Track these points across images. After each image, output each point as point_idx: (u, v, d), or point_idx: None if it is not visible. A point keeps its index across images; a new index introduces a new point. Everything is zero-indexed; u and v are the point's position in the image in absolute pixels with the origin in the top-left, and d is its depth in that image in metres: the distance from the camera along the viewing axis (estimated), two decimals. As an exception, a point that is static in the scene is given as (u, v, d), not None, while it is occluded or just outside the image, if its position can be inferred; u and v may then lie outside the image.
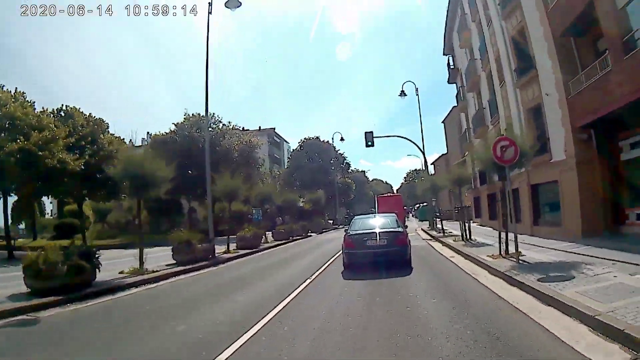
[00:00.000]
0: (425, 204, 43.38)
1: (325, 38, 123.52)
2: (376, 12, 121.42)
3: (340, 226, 41.41)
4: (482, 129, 21.70)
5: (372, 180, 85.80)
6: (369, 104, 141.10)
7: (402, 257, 9.13)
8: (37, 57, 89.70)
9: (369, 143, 22.38)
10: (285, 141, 74.31)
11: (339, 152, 54.81)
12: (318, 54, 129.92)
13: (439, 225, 20.71)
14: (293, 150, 57.43)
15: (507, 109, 17.34)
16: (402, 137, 22.49)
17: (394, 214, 11.42)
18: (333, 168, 50.19)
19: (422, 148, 24.85)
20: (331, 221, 49.43)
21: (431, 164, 63.90)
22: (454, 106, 44.05)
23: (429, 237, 19.27)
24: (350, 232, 9.80)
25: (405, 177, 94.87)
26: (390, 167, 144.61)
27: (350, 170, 62.09)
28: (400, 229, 9.76)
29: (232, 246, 16.76)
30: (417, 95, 24.10)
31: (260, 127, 60.63)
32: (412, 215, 55.16)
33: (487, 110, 21.21)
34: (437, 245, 15.54)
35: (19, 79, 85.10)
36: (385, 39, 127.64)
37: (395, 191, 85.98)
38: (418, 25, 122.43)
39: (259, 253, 17.04)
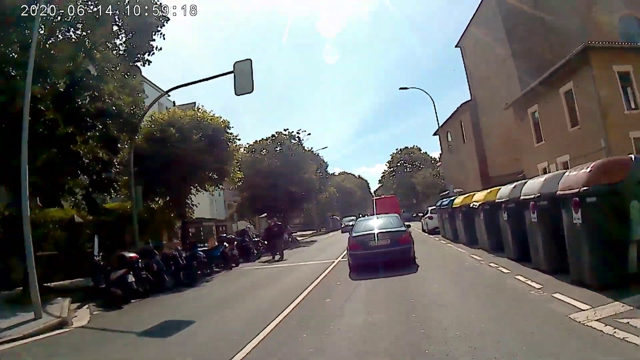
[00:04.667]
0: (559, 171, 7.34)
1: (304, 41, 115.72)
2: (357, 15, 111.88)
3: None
4: None
5: (340, 174, 66.13)
6: (346, 108, 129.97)
7: (406, 256, 9.29)
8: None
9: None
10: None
11: None
12: (293, 57, 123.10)
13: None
14: None
15: None
16: None
17: (396, 215, 11.57)
18: None
19: None
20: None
21: (434, 135, 38.05)
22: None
23: None
24: (354, 234, 9.83)
25: (388, 163, 74.99)
26: (365, 173, 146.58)
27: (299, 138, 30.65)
28: (403, 228, 9.83)
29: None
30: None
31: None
32: (428, 229, 20.34)
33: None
34: None
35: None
36: (362, 43, 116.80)
37: (374, 192, 76.95)
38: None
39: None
